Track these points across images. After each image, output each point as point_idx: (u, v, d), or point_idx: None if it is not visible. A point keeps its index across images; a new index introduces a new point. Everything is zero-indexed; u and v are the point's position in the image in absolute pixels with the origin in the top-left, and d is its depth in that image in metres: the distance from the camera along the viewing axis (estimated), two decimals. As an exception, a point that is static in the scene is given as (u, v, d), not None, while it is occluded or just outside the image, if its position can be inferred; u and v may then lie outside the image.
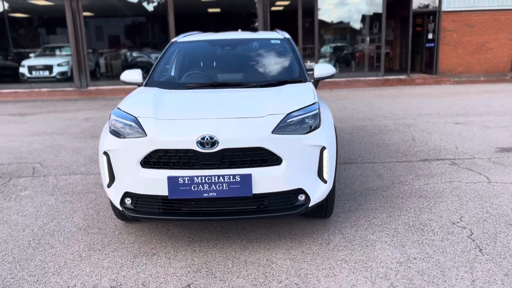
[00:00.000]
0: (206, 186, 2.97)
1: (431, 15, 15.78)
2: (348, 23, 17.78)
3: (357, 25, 17.31)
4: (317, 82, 4.31)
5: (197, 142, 2.95)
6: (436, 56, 15.64)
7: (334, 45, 17.20)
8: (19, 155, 6.36)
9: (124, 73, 4.30)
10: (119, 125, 3.21)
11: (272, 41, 4.57)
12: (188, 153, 2.99)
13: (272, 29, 14.80)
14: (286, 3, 18.28)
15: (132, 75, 4.23)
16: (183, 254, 3.24)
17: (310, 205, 3.17)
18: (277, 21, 19.63)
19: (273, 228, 3.63)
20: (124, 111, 3.30)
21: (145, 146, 3.03)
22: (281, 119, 3.10)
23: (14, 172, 5.48)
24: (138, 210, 3.15)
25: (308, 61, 15.89)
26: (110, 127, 3.28)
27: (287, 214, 3.12)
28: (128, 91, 6.49)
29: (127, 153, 3.10)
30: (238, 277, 2.91)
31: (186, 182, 2.97)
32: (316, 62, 15.57)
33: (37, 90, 14.77)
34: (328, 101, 10.92)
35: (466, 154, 5.68)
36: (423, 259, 3.07)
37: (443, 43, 15.47)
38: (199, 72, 4.30)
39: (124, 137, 3.14)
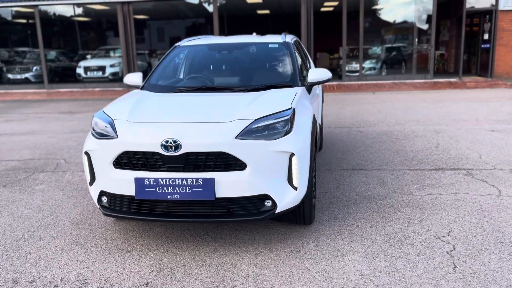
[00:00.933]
0: (170, 188, 3.06)
1: (488, 14, 14.89)
2: (399, 23, 17.21)
3: (407, 25, 16.70)
4: (310, 87, 4.25)
5: (161, 145, 3.04)
6: (492, 58, 14.74)
7: (382, 46, 16.72)
8: (51, 151, 6.80)
9: (127, 76, 4.48)
10: (98, 126, 3.38)
11: (270, 45, 4.57)
12: (154, 155, 3.08)
13: (315, 30, 14.68)
14: (335, 3, 18.02)
15: (133, 78, 4.40)
16: (155, 253, 3.35)
17: (277, 211, 3.16)
18: (326, 22, 19.40)
19: (250, 232, 3.64)
20: (105, 113, 3.46)
21: (116, 148, 3.17)
22: (247, 125, 3.12)
23: (39, 167, 5.88)
24: (113, 209, 3.30)
25: (354, 63, 15.56)
26: (91, 128, 3.46)
27: (253, 220, 3.13)
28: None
29: (103, 154, 3.25)
30: (196, 279, 2.96)
31: (152, 183, 3.07)
32: (360, 64, 15.23)
33: (90, 89, 15.65)
34: (365, 105, 10.67)
35: (487, 164, 5.35)
36: (389, 273, 2.96)
37: (500, 44, 14.55)
38: (192, 75, 4.41)
39: (101, 138, 3.30)
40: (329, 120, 8.70)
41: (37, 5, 15.40)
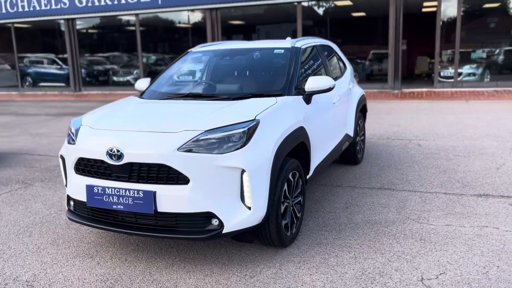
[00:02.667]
0: (115, 198, 2.99)
1: None
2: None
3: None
4: (309, 96, 3.87)
5: (106, 153, 2.99)
6: None
7: (486, 49, 14.95)
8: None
9: (137, 81, 4.55)
10: (70, 131, 3.45)
11: (276, 51, 4.27)
12: (102, 163, 3.04)
13: (415, 32, 13.65)
14: (435, 3, 16.61)
15: (142, 83, 4.46)
16: (113, 261, 3.31)
17: (225, 231, 2.91)
18: (427, 23, 17.99)
19: (217, 250, 3.43)
20: (80, 119, 3.52)
21: (74, 153, 3.20)
22: (193, 136, 2.92)
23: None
24: (76, 214, 3.33)
25: (450, 68, 14.16)
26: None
27: (196, 238, 2.93)
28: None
29: (68, 159, 3.31)
30: (129, 295, 2.85)
31: (100, 192, 3.04)
32: (456, 69, 13.80)
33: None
34: (447, 114, 9.61)
35: (549, 194, 4.42)
36: (331, 316, 2.54)
37: None
38: (185, 82, 4.31)
39: (69, 143, 3.36)
40: (393, 130, 7.99)
41: (138, 14, 16.64)
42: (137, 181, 2.96)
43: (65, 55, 18.11)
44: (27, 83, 19.52)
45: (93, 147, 3.08)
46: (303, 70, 4.24)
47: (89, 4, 16.89)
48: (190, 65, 4.54)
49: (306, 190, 4.77)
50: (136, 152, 2.92)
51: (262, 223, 3.09)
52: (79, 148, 3.17)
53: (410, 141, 7.11)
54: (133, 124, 3.23)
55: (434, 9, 17.39)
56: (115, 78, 18.35)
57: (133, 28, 17.11)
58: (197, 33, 16.89)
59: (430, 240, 3.48)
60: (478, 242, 3.41)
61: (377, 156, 6.18)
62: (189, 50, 4.76)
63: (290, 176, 3.37)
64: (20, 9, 17.99)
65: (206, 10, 15.72)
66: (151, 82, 4.39)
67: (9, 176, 5.77)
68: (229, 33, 17.19)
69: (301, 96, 3.82)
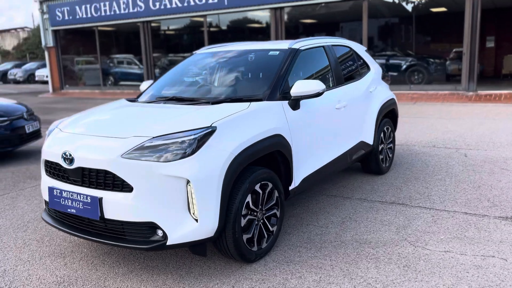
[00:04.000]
0: (69, 201, 3.00)
1: None
2: None
3: None
4: (295, 101, 3.59)
5: (61, 157, 3.00)
6: None
7: None
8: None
9: (142, 83, 4.58)
10: (47, 132, 3.53)
11: (270, 53, 4.02)
12: (61, 166, 3.06)
13: (491, 29, 12.50)
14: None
15: (144, 85, 4.48)
16: (81, 263, 3.34)
17: (169, 243, 2.79)
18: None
19: (180, 261, 3.31)
20: (61, 121, 3.59)
21: (43, 155, 3.27)
22: (139, 142, 2.82)
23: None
24: (48, 215, 3.40)
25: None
26: None
27: (140, 248, 2.83)
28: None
29: (41, 160, 3.39)
30: (73, 300, 2.84)
31: (58, 194, 3.07)
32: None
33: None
34: (491, 120, 8.57)
35: None
36: None
37: None
38: (177, 84, 4.22)
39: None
40: (444, 137, 7.27)
41: (205, 15, 17.02)
42: (88, 186, 2.94)
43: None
44: (109, 82, 20.88)
45: (53, 150, 3.12)
46: (300, 72, 3.97)
47: (162, 7, 17.61)
48: (189, 67, 4.46)
49: (306, 201, 4.48)
50: (84, 157, 2.90)
51: (215, 236, 2.91)
52: (44, 150, 3.23)
53: (458, 150, 6.41)
54: (93, 128, 3.22)
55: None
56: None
57: (201, 28, 17.54)
58: (262, 32, 16.86)
59: (415, 268, 3.05)
60: (472, 275, 2.92)
61: (409, 166, 5.64)
62: (194, 52, 4.69)
63: (257, 187, 3.14)
64: (103, 13, 19.28)
65: (270, 9, 15.62)
66: (150, 85, 4.38)
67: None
68: (305, 31, 16.94)
69: (287, 101, 3.56)
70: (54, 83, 21.62)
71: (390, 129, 5.42)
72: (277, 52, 3.97)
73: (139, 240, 2.86)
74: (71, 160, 2.95)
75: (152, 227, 2.81)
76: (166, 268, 3.21)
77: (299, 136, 3.60)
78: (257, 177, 3.12)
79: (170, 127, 2.93)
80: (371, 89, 4.96)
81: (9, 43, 47.42)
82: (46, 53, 21.58)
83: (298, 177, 3.66)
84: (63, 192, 3.03)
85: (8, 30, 49.64)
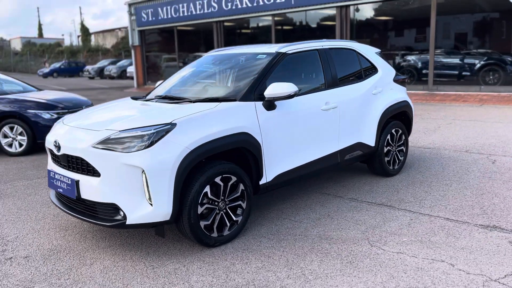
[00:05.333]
0: (59, 182, 3.57)
1: None
2: None
3: None
4: (269, 102, 3.84)
5: (53, 144, 3.58)
6: None
7: None
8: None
9: (157, 82, 5.10)
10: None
11: (258, 56, 4.28)
12: (54, 152, 3.64)
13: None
14: None
15: (157, 84, 4.99)
16: (73, 237, 3.91)
17: (128, 222, 3.23)
18: None
19: (154, 240, 3.74)
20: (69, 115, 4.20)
21: (45, 143, 3.88)
22: (108, 135, 3.28)
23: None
24: (54, 195, 4.00)
25: None
26: None
27: (106, 225, 3.31)
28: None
29: (47, 147, 4.01)
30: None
31: (52, 176, 3.66)
32: None
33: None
34: None
35: None
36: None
37: None
38: (176, 83, 4.63)
39: (55, 136, 4.06)
40: (484, 143, 6.94)
41: (273, 14, 17.40)
42: (71, 170, 3.48)
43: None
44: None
45: (50, 138, 3.72)
46: (285, 75, 4.19)
47: (233, 7, 18.33)
48: (192, 68, 4.86)
49: (296, 197, 4.69)
50: (67, 145, 3.45)
51: (172, 220, 3.29)
52: (46, 139, 3.84)
53: (489, 156, 6.13)
54: (83, 122, 3.74)
55: None
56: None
57: (269, 27, 17.95)
58: (328, 31, 16.82)
59: (357, 265, 3.18)
60: (407, 276, 2.99)
61: (424, 170, 5.56)
62: (204, 54, 5.09)
63: (218, 180, 3.47)
64: (181, 14, 20.52)
65: (336, 8, 15.57)
66: (159, 84, 4.87)
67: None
68: (376, 29, 16.65)
69: (261, 102, 3.82)
70: (138, 79, 23.43)
71: (400, 131, 5.38)
72: (264, 56, 4.23)
73: (105, 218, 3.34)
74: (59, 148, 3.52)
75: (115, 208, 3.27)
76: (139, 245, 3.66)
77: (272, 135, 3.84)
78: (217, 170, 3.44)
79: (138, 122, 3.37)
80: (374, 91, 4.99)
81: (109, 42, 51.90)
82: (132, 52, 23.46)
83: (270, 173, 3.90)
84: (56, 174, 3.61)
85: (109, 30, 54.40)
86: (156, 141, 3.21)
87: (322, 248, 3.47)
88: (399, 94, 5.38)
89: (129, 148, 3.20)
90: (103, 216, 3.36)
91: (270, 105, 3.85)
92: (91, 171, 3.34)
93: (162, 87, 4.72)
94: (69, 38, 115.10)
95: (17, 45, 64.23)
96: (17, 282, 3.13)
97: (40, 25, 72.30)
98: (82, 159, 3.36)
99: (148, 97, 4.49)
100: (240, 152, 3.73)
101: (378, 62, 5.26)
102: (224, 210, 3.57)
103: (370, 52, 5.24)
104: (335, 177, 5.41)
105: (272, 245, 3.58)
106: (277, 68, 4.12)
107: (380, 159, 5.12)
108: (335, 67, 4.64)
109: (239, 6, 18.12)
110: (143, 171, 3.15)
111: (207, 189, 3.42)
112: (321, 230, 3.84)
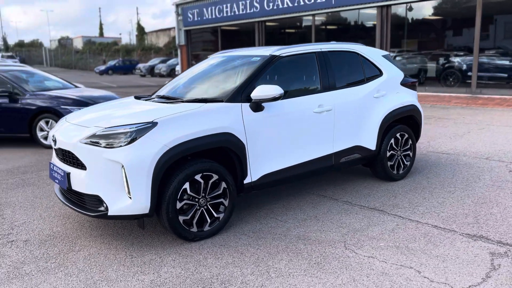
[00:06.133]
0: (56, 174, 3.87)
1: None
2: None
3: None
4: (255, 104, 3.94)
5: (52, 139, 3.88)
6: None
7: None
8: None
9: (165, 83, 5.34)
10: (61, 121, 4.48)
11: (252, 59, 4.37)
12: (53, 146, 3.95)
13: None
14: None
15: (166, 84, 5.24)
16: (72, 225, 4.22)
17: (110, 214, 3.45)
18: None
19: (140, 231, 3.95)
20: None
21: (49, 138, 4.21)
22: (94, 132, 3.52)
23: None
24: (58, 188, 4.32)
25: None
26: None
27: (90, 215, 3.55)
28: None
29: (55, 142, 4.34)
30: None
31: (52, 168, 3.97)
32: None
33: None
34: None
35: None
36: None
37: None
38: (175, 83, 4.82)
39: (59, 131, 4.38)
40: (499, 150, 6.65)
41: (314, 14, 17.33)
42: (65, 163, 3.77)
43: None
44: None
45: (50, 134, 4.03)
46: (277, 78, 4.28)
47: (275, 7, 18.45)
48: (195, 70, 5.03)
49: (292, 198, 4.75)
50: (61, 140, 3.74)
51: (151, 214, 3.49)
52: (49, 134, 4.16)
53: (508, 164, 5.88)
54: (81, 119, 4.00)
55: None
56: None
57: (310, 26, 17.90)
58: (368, 31, 16.53)
59: (323, 266, 3.23)
60: (368, 279, 3.01)
61: (432, 175, 5.44)
62: (211, 55, 5.27)
63: (198, 177, 3.62)
64: (225, 14, 20.91)
65: (377, 8, 15.29)
66: (167, 83, 5.10)
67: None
68: (421, 30, 16.20)
69: (248, 104, 3.94)
70: (183, 77, 24.09)
71: (406, 136, 5.29)
72: (258, 58, 4.34)
73: (91, 209, 3.59)
74: (55, 142, 3.82)
75: (99, 199, 3.50)
76: (127, 236, 3.89)
77: (259, 136, 3.94)
78: (197, 168, 3.60)
79: (124, 120, 3.59)
80: (376, 95, 4.95)
81: (162, 41, 53.67)
82: (178, 51, 24.18)
83: (256, 173, 4.01)
84: (54, 166, 3.91)
85: (162, 30, 56.22)
86: (137, 139, 3.40)
87: (296, 248, 3.54)
88: (405, 97, 5.29)
89: (112, 144, 3.42)
90: (89, 207, 3.61)
91: (257, 106, 3.95)
92: (80, 165, 3.60)
93: (166, 87, 4.94)
94: (128, 37, 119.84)
95: (78, 44, 67.93)
96: (10, 263, 3.44)
97: (101, 25, 75.97)
98: (72, 153, 3.63)
99: (151, 97, 4.72)
100: (224, 151, 3.86)
101: (383, 65, 5.20)
102: (205, 207, 3.72)
103: (375, 55, 5.20)
104: (337, 180, 5.42)
105: (250, 242, 3.69)
106: (268, 70, 4.21)
107: (382, 163, 5.07)
108: (334, 70, 4.65)
109: (280, 6, 18.21)
110: (122, 166, 3.36)
111: (187, 185, 3.58)
112: (302, 230, 3.90)
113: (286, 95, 4.26)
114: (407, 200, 4.60)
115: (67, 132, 3.81)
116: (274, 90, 3.84)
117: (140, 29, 60.06)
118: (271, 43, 19.74)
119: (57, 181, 3.87)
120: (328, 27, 18.51)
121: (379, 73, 5.13)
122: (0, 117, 8.09)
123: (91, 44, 60.89)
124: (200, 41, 24.16)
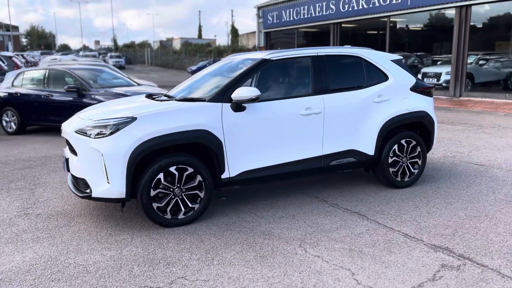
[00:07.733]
0: (63, 159, 4.47)
1: None
2: None
3: None
4: (236, 104, 4.17)
5: (60, 129, 4.49)
6: None
7: None
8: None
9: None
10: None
11: (245, 62, 4.58)
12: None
13: None
14: None
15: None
16: (54, 218, 4.81)
17: (93, 196, 3.95)
18: None
19: (129, 216, 4.40)
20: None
21: (63, 131, 4.84)
22: (86, 124, 4.03)
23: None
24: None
25: None
26: None
27: (79, 196, 4.07)
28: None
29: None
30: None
31: (62, 155, 4.59)
32: None
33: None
34: None
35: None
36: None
37: None
38: (183, 85, 5.17)
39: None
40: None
41: (389, 15, 16.81)
42: (69, 150, 4.35)
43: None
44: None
45: (62, 125, 4.64)
46: (265, 80, 4.49)
47: (350, 9, 18.22)
48: (207, 70, 5.35)
49: (285, 198, 4.90)
50: (64, 130, 4.32)
51: (127, 198, 3.91)
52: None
53: (539, 179, 5.43)
54: (88, 114, 4.53)
55: None
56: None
57: (384, 28, 17.40)
58: (446, 33, 15.64)
59: (266, 259, 3.39)
60: (297, 276, 3.12)
61: (443, 185, 5.23)
62: (224, 58, 5.60)
63: (173, 169, 3.97)
64: (302, 16, 21.08)
65: (456, 8, 14.46)
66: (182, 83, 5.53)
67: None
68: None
69: (229, 104, 4.20)
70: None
71: (414, 143, 5.14)
72: (250, 61, 4.57)
73: (81, 190, 4.11)
74: (61, 132, 4.42)
75: (85, 183, 4.01)
76: (118, 218, 4.36)
77: (238, 134, 4.18)
78: (170, 160, 3.95)
79: (112, 115, 4.05)
80: (377, 99, 4.90)
81: (252, 42, 55.05)
82: (258, 52, 24.81)
83: (235, 169, 4.25)
84: (63, 153, 4.52)
85: (252, 32, 57.64)
86: (116, 131, 3.85)
87: (253, 242, 3.73)
88: (414, 103, 5.14)
89: (97, 135, 3.91)
90: (80, 188, 4.15)
91: (237, 106, 4.20)
92: (74, 152, 4.15)
93: (178, 86, 5.36)
94: (226, 38, 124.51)
95: (177, 45, 72.32)
96: (15, 231, 4.09)
97: (200, 27, 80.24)
98: (69, 142, 4.19)
99: (159, 96, 5.18)
100: (202, 147, 4.17)
101: (391, 70, 5.11)
102: (180, 197, 4.06)
103: (382, 59, 5.12)
104: (340, 183, 5.43)
105: (216, 233, 3.95)
106: (260, 73, 4.44)
107: (383, 168, 5.00)
108: (329, 74, 4.71)
109: (355, 8, 17.96)
110: (102, 154, 3.83)
111: (161, 176, 3.94)
112: (270, 227, 4.06)
113: (273, 97, 4.44)
114: (396, 208, 4.52)
115: (69, 123, 4.39)
116: (251, 91, 4.06)
117: (234, 31, 62.28)
118: (344, 44, 19.47)
119: (62, 165, 4.47)
120: (403, 27, 17.83)
121: (385, 77, 5.06)
122: (69, 110, 9.19)
123: (187, 45, 64.47)
124: (278, 42, 24.57)
